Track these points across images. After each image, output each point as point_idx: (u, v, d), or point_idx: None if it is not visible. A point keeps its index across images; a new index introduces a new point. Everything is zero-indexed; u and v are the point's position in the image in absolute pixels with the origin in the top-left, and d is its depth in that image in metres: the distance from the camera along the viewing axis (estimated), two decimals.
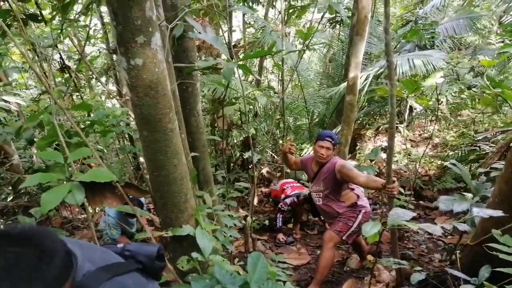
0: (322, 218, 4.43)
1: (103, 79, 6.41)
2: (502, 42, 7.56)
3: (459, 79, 6.93)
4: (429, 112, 7.53)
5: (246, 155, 5.35)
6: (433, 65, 4.79)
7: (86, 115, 4.03)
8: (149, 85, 1.56)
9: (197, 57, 3.88)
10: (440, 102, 7.32)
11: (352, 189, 3.19)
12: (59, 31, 2.71)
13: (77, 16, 3.17)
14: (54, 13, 2.60)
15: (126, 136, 5.11)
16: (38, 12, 2.68)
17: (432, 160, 7.46)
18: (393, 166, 6.84)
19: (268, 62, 8.66)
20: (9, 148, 3.73)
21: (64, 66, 4.82)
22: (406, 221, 1.52)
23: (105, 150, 3.61)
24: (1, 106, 3.30)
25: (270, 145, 6.39)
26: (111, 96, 6.08)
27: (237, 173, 5.67)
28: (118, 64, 5.52)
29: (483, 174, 3.96)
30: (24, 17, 2.39)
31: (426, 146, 6.55)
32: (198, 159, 3.00)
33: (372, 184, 2.79)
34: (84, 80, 6.31)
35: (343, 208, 3.12)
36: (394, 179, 2.60)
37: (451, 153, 7.16)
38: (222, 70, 2.55)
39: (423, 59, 4.84)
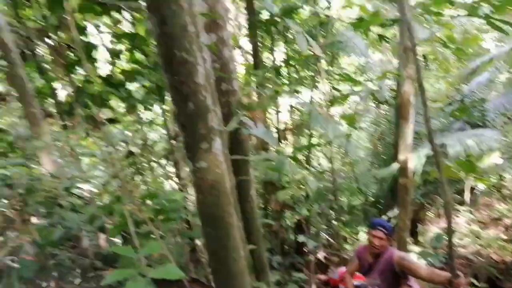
0: None
1: (163, 161, 6.91)
2: None
3: None
4: (495, 191, 7.08)
5: (301, 238, 5.28)
6: (486, 144, 4.66)
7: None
8: (212, 184, 1.74)
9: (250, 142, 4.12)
10: (503, 179, 6.90)
11: (410, 286, 2.98)
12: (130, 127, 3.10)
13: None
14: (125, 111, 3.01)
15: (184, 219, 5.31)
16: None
17: (507, 245, 6.75)
18: (461, 251, 6.32)
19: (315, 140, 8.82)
20: (80, 233, 4.03)
21: (129, 152, 5.35)
22: None
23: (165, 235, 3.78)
24: (77, 194, 3.67)
25: (325, 227, 6.26)
26: (170, 178, 6.46)
27: (293, 258, 5.55)
28: (177, 149, 5.99)
29: None
30: (104, 121, 2.81)
31: (497, 228, 6.02)
32: (253, 244, 3.05)
33: (435, 279, 2.61)
34: (145, 163, 6.82)
35: None
36: (460, 273, 2.42)
37: None
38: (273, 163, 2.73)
39: (475, 139, 4.73)
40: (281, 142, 5.78)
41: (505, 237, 7.07)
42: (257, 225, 3.22)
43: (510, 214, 7.97)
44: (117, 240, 3.83)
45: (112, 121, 2.98)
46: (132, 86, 2.93)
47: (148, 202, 3.35)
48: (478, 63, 7.34)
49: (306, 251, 5.33)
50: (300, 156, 6.42)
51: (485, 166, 4.40)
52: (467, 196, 5.18)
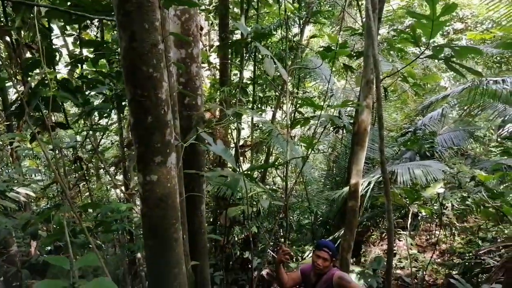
0: None
1: (112, 169, 6.62)
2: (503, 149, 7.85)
3: (461, 187, 7.05)
4: (435, 217, 7.49)
5: (246, 254, 5.24)
6: (433, 175, 4.94)
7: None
8: (160, 198, 1.67)
9: (206, 157, 4.06)
10: (445, 208, 7.34)
11: None
12: (81, 133, 2.94)
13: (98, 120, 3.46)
14: (79, 118, 2.86)
15: (126, 230, 5.10)
16: (64, 121, 2.96)
17: (440, 268, 7.19)
18: (399, 272, 6.59)
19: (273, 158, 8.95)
20: (10, 238, 3.73)
21: (77, 157, 5.06)
22: None
23: (103, 245, 3.60)
24: (12, 197, 3.40)
25: (272, 244, 6.28)
26: (117, 187, 6.21)
27: (236, 274, 5.48)
28: (129, 157, 5.77)
29: None
30: (54, 124, 2.64)
31: (433, 253, 6.38)
32: (197, 260, 2.98)
33: None
34: (93, 170, 6.51)
35: None
36: None
37: (457, 261, 6.93)
38: (228, 179, 2.69)
39: (423, 169, 5.01)
40: (239, 158, 5.77)
41: (439, 261, 7.52)
42: (204, 240, 3.16)
43: (446, 240, 8.49)
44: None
45: (63, 126, 2.80)
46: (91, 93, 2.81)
47: (90, 210, 3.18)
48: (434, 99, 7.87)
49: (251, 267, 5.30)
50: (256, 173, 6.45)
51: (427, 195, 4.64)
52: (409, 221, 5.43)
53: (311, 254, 6.34)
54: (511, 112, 7.20)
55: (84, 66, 3.36)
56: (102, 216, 2.84)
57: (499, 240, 6.89)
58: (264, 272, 5.49)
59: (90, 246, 2.44)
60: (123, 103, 2.91)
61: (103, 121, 5.31)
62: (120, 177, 6.35)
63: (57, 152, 3.17)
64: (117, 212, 2.98)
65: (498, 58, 8.98)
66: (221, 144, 2.49)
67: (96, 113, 2.93)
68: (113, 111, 3.07)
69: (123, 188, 5.39)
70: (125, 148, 5.70)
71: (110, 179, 5.26)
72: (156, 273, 1.79)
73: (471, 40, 9.38)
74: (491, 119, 9.70)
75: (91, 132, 3.58)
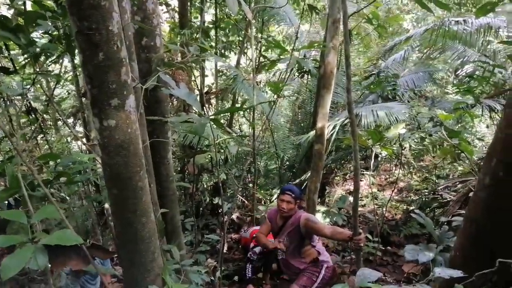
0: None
1: (70, 121, 6.30)
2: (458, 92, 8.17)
3: (420, 128, 7.36)
4: (394, 158, 7.87)
5: (216, 200, 5.31)
6: (395, 116, 5.08)
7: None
8: (120, 144, 1.57)
9: (170, 104, 3.91)
10: (403, 148, 7.70)
11: (313, 246, 3.21)
12: (30, 80, 2.69)
13: (48, 64, 3.17)
14: (25, 62, 2.60)
15: (92, 181, 4.98)
16: (11, 64, 2.67)
17: (398, 204, 7.69)
18: (361, 210, 7.00)
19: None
20: None
21: (30, 108, 4.72)
22: (373, 282, 1.56)
23: (68, 198, 3.48)
24: None
25: (241, 189, 6.39)
26: (78, 139, 5.96)
27: (207, 219, 5.58)
28: (87, 107, 5.47)
29: (445, 223, 4.12)
30: None
31: (392, 191, 6.77)
32: (166, 207, 2.96)
33: (338, 236, 2.83)
34: (50, 121, 6.17)
35: (304, 265, 3.13)
36: (361, 230, 2.66)
37: (415, 198, 7.42)
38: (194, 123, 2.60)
39: (386, 111, 5.13)
40: (204, 106, 5.63)
41: (397, 198, 8.03)
42: (173, 188, 3.12)
43: (404, 178, 9.02)
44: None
45: (7, 70, 2.52)
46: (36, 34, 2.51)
47: (51, 163, 3.01)
48: (397, 40, 7.87)
49: (221, 212, 5.40)
50: (222, 121, 6.36)
51: (390, 135, 4.79)
52: (371, 162, 5.65)
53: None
54: (470, 53, 7.38)
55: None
56: (63, 168, 2.71)
57: (451, 177, 7.39)
58: (234, 216, 5.63)
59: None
60: (74, 44, 2.65)
61: (56, 69, 4.93)
62: (80, 128, 6.08)
63: (4, 100, 2.91)
64: (80, 164, 2.85)
65: None
66: (184, 87, 2.36)
67: (43, 57, 2.67)
68: (63, 54, 2.80)
69: (84, 139, 5.16)
70: (82, 98, 5.39)
71: (69, 130, 5.00)
72: (123, 222, 1.74)
73: None
74: (449, 61, 9.96)
75: (40, 78, 3.29)
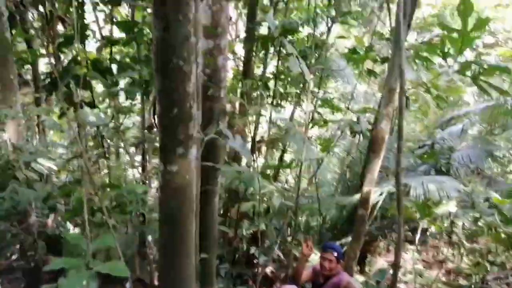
0: None
1: (132, 149, 6.75)
2: None
3: (475, 207, 6.94)
4: (444, 235, 7.41)
5: (253, 250, 5.30)
6: (446, 192, 4.89)
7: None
8: (178, 189, 1.74)
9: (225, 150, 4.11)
10: (455, 226, 7.24)
11: None
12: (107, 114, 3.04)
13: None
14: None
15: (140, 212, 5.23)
16: (92, 99, 3.06)
17: (444, 287, 7.09)
18: (403, 286, 6.56)
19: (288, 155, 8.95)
20: (29, 209, 3.87)
21: (98, 133, 5.18)
22: None
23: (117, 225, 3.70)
24: (36, 168, 3.53)
25: (279, 243, 6.32)
26: (134, 167, 6.34)
27: (241, 268, 5.54)
28: (149, 139, 5.88)
29: None
30: (81, 102, 2.74)
31: (439, 271, 6.31)
32: (205, 251, 3.04)
33: None
34: (113, 148, 6.66)
35: None
36: None
37: (463, 283, 6.83)
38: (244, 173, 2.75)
39: (437, 185, 4.96)
40: (254, 153, 5.82)
41: (444, 280, 7.42)
42: (214, 232, 3.23)
43: (453, 258, 8.37)
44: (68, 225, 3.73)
45: (90, 104, 2.91)
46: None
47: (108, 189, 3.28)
48: (455, 113, 7.72)
49: (256, 263, 5.35)
50: (269, 171, 6.48)
51: (440, 212, 4.60)
52: (418, 236, 5.38)
53: (317, 257, 6.37)
54: None
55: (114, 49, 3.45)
56: (119, 196, 2.93)
57: (507, 266, 6.77)
58: (268, 270, 5.54)
59: (106, 225, 2.53)
60: (149, 88, 2.98)
61: (127, 102, 5.43)
62: (138, 157, 6.48)
63: (81, 128, 3.28)
64: (133, 194, 3.07)
65: None
66: (239, 139, 2.54)
67: (122, 94, 3.02)
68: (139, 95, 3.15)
69: (140, 169, 5.51)
70: (145, 130, 5.82)
71: (129, 158, 5.38)
72: (168, 261, 1.86)
73: (501, 56, 9.14)
74: None
75: (115, 113, 3.69)
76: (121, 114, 5.36)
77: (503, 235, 4.60)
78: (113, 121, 4.49)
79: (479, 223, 6.81)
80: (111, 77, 2.64)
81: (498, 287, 4.87)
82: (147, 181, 4.63)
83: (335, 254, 3.07)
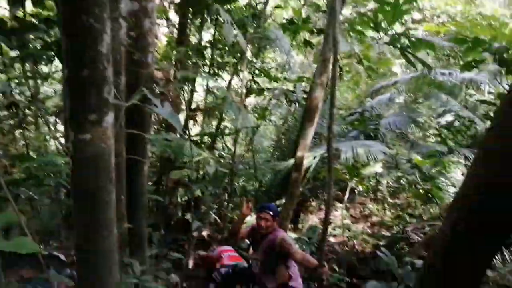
0: None
1: (52, 119, 6.21)
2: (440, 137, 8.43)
3: (398, 167, 7.55)
4: (370, 192, 8.01)
5: (188, 216, 5.29)
6: (373, 155, 5.22)
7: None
8: (91, 158, 1.61)
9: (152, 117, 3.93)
10: (380, 184, 7.85)
11: (288, 268, 3.24)
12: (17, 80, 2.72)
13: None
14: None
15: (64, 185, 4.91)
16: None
17: (369, 238, 7.76)
18: (332, 241, 7.05)
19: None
20: None
21: (12, 103, 4.67)
22: None
23: (36, 197, 3.43)
24: None
25: (215, 207, 6.38)
26: (56, 138, 5.90)
27: (176, 234, 5.53)
28: None
29: (409, 263, 4.21)
30: None
31: (364, 224, 6.85)
32: (135, 220, 2.96)
33: (305, 263, 2.91)
34: (31, 118, 6.07)
35: (273, 284, 3.15)
36: (325, 263, 2.72)
37: (386, 233, 7.52)
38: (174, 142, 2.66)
39: (365, 148, 5.27)
40: (188, 122, 5.67)
41: (369, 232, 8.13)
42: (144, 201, 3.13)
43: (378, 213, 9.16)
44: None
45: None
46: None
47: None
48: (384, 83, 8.16)
49: (191, 229, 5.37)
50: (206, 138, 6.41)
51: (367, 173, 4.92)
52: (347, 195, 5.74)
53: (252, 219, 6.55)
54: (453, 103, 7.68)
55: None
56: (35, 169, 2.70)
57: (424, 218, 7.55)
58: (205, 233, 5.60)
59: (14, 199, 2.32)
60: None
61: (46, 68, 4.92)
62: (61, 127, 6.02)
63: None
64: (54, 166, 2.84)
65: (448, 51, 9.42)
66: (168, 106, 2.42)
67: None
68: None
69: (62, 140, 5.12)
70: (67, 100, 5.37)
71: (50, 129, 4.96)
72: (83, 235, 1.75)
73: (427, 31, 9.72)
74: (433, 107, 10.33)
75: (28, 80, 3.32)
76: (38, 80, 4.88)
77: (421, 191, 5.06)
78: (28, 88, 4.07)
79: (401, 181, 7.46)
80: (18, 39, 2.33)
81: (416, 236, 5.42)
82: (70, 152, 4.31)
83: (271, 213, 3.21)
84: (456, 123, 7.36)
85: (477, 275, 2.43)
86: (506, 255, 4.22)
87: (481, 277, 2.55)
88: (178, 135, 3.36)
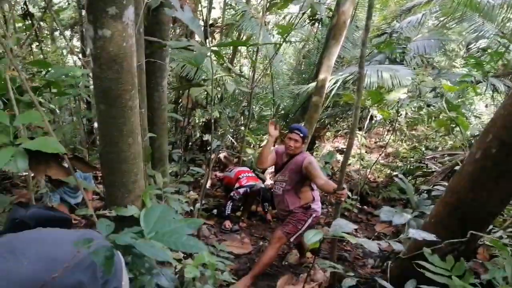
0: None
1: (68, 33, 6.02)
2: (466, 66, 7.99)
3: (421, 96, 7.28)
4: (388, 123, 7.87)
5: (206, 137, 5.31)
6: (399, 80, 4.97)
7: (44, 71, 3.78)
8: (114, 58, 1.49)
9: (171, 29, 3.75)
10: (399, 115, 7.68)
11: (312, 189, 3.27)
12: None
13: None
14: None
15: (84, 98, 4.89)
16: None
17: (383, 168, 7.82)
18: (346, 169, 7.16)
19: (242, 47, 8.57)
20: None
21: (27, 12, 4.48)
22: (347, 233, 1.60)
23: (58, 111, 3.42)
24: None
25: (232, 130, 6.38)
26: (73, 52, 5.76)
27: (194, 154, 5.61)
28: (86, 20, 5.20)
29: (425, 191, 4.21)
30: None
31: (380, 154, 6.85)
32: (155, 136, 2.93)
33: (326, 188, 2.91)
34: (47, 30, 5.89)
35: (296, 205, 3.20)
36: (344, 185, 2.71)
37: (400, 164, 7.54)
38: (194, 51, 2.49)
39: (391, 73, 5.01)
40: (207, 39, 5.42)
41: (383, 162, 8.16)
42: (164, 116, 3.07)
43: (394, 144, 9.11)
44: None
45: None
46: None
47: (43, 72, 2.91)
48: (416, 2, 7.51)
49: (209, 149, 5.42)
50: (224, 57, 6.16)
51: (390, 98, 4.73)
52: (366, 122, 5.62)
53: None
54: (487, 28, 7.11)
55: None
56: (55, 79, 2.61)
57: (439, 149, 7.47)
58: (221, 155, 5.66)
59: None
60: None
61: None
62: (77, 42, 5.85)
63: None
64: (72, 78, 2.75)
65: None
66: (189, 11, 2.22)
67: None
68: None
69: (80, 55, 4.99)
70: (83, 10, 5.12)
71: (65, 43, 4.81)
72: (108, 140, 1.70)
73: None
74: (464, 33, 9.64)
75: None
76: None
77: (446, 120, 4.89)
78: None
79: (422, 112, 7.25)
80: None
81: (434, 165, 5.37)
82: (88, 67, 4.21)
83: (301, 134, 3.18)
84: (490, 50, 6.86)
85: (499, 205, 2.39)
86: None
87: (501, 209, 2.52)
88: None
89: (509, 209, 3.56)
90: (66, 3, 6.37)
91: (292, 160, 3.23)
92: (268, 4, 4.64)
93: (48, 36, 6.34)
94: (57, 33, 6.46)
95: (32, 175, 1.52)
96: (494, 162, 2.15)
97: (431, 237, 1.62)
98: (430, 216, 2.57)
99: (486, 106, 10.23)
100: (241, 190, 4.39)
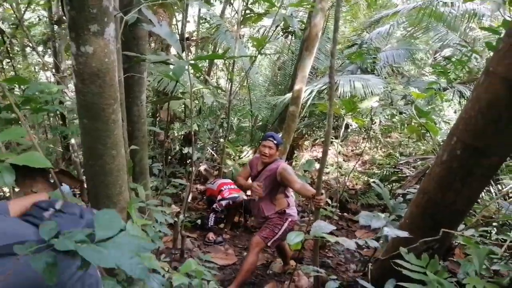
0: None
1: (40, 49, 5.94)
2: (434, 74, 8.37)
3: (392, 104, 7.55)
4: (363, 131, 8.10)
5: (186, 150, 5.32)
6: (371, 89, 5.17)
7: (18, 87, 3.73)
8: (96, 73, 1.53)
9: (148, 44, 3.79)
10: (373, 123, 7.93)
11: (287, 196, 3.35)
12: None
13: None
14: None
15: (58, 114, 4.82)
16: None
17: (360, 175, 8.02)
18: (324, 178, 7.29)
19: (219, 60, 8.65)
20: None
21: None
22: (327, 233, 1.67)
23: (34, 129, 3.37)
24: None
25: (211, 143, 6.41)
26: (46, 69, 5.68)
27: (174, 168, 5.61)
28: (59, 36, 5.16)
29: (401, 195, 4.37)
30: None
31: (356, 162, 7.03)
32: (136, 150, 2.94)
33: (304, 192, 2.99)
34: (17, 47, 5.79)
35: (271, 212, 3.27)
36: (323, 191, 2.80)
37: (377, 171, 7.75)
38: (172, 65, 2.55)
39: (362, 82, 5.20)
40: (184, 50, 5.47)
41: (360, 169, 8.37)
42: (144, 130, 3.09)
43: (369, 152, 9.37)
44: None
45: None
46: None
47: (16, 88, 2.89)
48: (384, 13, 7.85)
49: (189, 162, 5.42)
50: (198, 73, 6.23)
51: (363, 107, 4.90)
52: (341, 131, 5.79)
53: (248, 154, 6.62)
54: (451, 37, 7.50)
55: None
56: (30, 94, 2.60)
57: (413, 155, 7.74)
58: (202, 168, 5.68)
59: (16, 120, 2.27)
60: None
61: None
62: (49, 58, 5.77)
63: None
64: (48, 94, 2.75)
65: None
66: (166, 26, 2.29)
67: None
68: None
69: (53, 70, 4.94)
70: (54, 25, 5.08)
71: (37, 59, 4.75)
72: (92, 154, 1.72)
73: None
74: (431, 43, 10.09)
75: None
76: (21, 5, 4.56)
77: (417, 126, 5.11)
78: (13, 11, 3.80)
79: (394, 119, 7.52)
80: None
81: (407, 170, 5.57)
82: (62, 83, 4.18)
83: (275, 141, 3.26)
84: (454, 58, 7.23)
85: (467, 204, 2.53)
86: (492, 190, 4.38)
87: (469, 207, 2.66)
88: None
89: (479, 207, 3.75)
90: (37, 19, 6.31)
91: (267, 168, 3.31)
92: (242, 18, 4.76)
93: (19, 53, 6.24)
94: (28, 49, 6.37)
95: (17, 189, 1.52)
96: (459, 163, 2.29)
97: (404, 234, 1.72)
98: (405, 217, 2.69)
99: (455, 112, 10.69)
100: (224, 202, 4.42)
